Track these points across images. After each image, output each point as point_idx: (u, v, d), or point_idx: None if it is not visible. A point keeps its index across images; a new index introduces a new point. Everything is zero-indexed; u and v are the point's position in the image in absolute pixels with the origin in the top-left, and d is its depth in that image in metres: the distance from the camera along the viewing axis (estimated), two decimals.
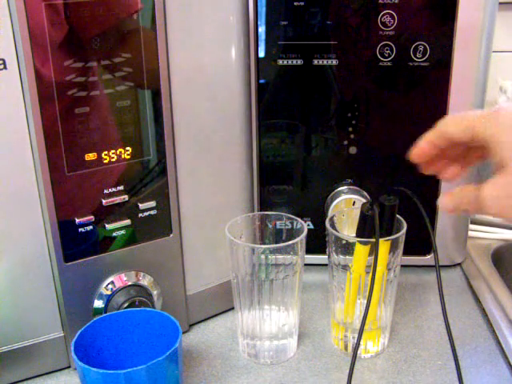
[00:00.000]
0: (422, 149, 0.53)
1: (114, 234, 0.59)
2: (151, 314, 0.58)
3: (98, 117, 0.55)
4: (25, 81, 0.51)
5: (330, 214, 0.74)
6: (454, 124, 0.51)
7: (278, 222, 0.66)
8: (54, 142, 0.53)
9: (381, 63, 0.71)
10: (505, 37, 0.95)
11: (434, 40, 0.69)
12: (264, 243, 0.66)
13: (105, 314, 0.58)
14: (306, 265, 0.63)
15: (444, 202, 0.53)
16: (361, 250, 0.59)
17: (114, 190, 0.58)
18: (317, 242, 0.74)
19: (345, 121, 0.74)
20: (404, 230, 0.60)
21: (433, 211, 0.75)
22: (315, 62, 0.72)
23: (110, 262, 0.60)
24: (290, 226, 0.65)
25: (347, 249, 0.60)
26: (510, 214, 0.48)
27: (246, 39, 0.64)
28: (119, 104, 0.56)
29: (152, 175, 0.60)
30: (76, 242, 0.57)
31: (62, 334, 0.60)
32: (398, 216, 0.60)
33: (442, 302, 0.56)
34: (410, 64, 0.71)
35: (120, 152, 0.57)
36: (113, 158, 0.57)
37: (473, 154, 0.54)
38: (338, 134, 0.74)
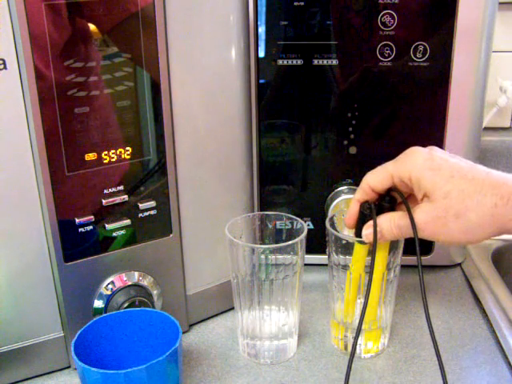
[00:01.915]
0: (353, 214, 0.59)
1: (114, 234, 0.59)
2: (151, 314, 0.58)
3: (97, 117, 0.55)
4: (25, 81, 0.51)
5: (329, 213, 0.74)
6: (374, 177, 0.58)
7: (278, 222, 0.66)
8: (54, 142, 0.53)
9: (381, 63, 0.71)
10: (505, 37, 0.95)
11: (433, 40, 0.69)
12: (264, 243, 0.66)
13: (105, 314, 0.58)
14: (306, 265, 0.63)
15: (367, 234, 0.58)
16: (360, 250, 0.59)
17: (113, 190, 0.58)
18: (317, 242, 0.74)
19: (345, 121, 0.74)
20: None
21: None
22: (315, 61, 0.72)
23: (110, 262, 0.60)
24: (289, 226, 0.65)
25: (347, 249, 0.60)
26: (438, 235, 0.55)
27: (246, 39, 0.64)
28: (119, 104, 0.56)
29: (152, 175, 0.60)
30: (76, 242, 0.57)
31: (62, 334, 0.60)
32: None
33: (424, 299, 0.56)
34: (410, 64, 0.71)
35: (120, 152, 0.57)
36: (113, 158, 0.57)
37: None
38: (337, 134, 0.74)
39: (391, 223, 0.56)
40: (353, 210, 0.59)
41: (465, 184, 0.52)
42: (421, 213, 0.54)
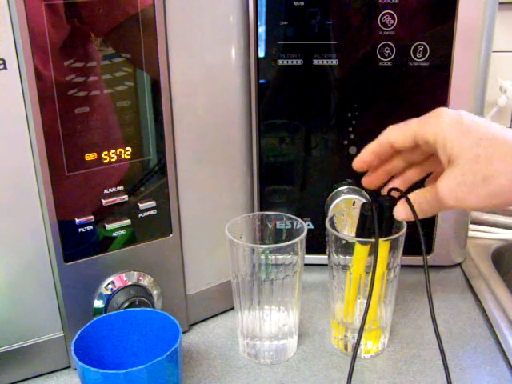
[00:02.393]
0: (363, 158, 0.58)
1: (114, 234, 0.59)
2: (151, 314, 0.58)
3: (97, 117, 0.55)
4: (25, 81, 0.51)
5: (330, 213, 0.74)
6: (396, 133, 0.55)
7: (277, 222, 0.66)
8: (54, 141, 0.53)
9: (381, 63, 0.71)
10: (505, 37, 0.95)
11: (433, 40, 0.69)
12: (264, 243, 0.66)
13: (105, 314, 0.58)
14: (306, 265, 0.63)
15: (399, 210, 0.56)
16: (360, 250, 0.59)
17: (113, 190, 0.58)
18: (317, 242, 0.74)
19: (345, 121, 0.74)
20: (404, 230, 0.60)
21: None
22: (315, 62, 0.72)
23: (110, 262, 0.60)
24: (289, 226, 0.65)
25: (347, 249, 0.61)
26: (465, 202, 0.51)
27: (245, 39, 0.64)
28: (119, 104, 0.56)
29: (152, 175, 0.60)
30: (76, 242, 0.57)
31: (62, 334, 0.60)
32: None
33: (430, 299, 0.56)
34: (410, 64, 0.71)
35: (120, 152, 0.57)
36: (113, 158, 0.57)
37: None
38: (338, 134, 0.74)
39: (422, 198, 0.55)
40: (363, 156, 0.58)
41: (494, 147, 0.50)
42: (445, 180, 0.52)
